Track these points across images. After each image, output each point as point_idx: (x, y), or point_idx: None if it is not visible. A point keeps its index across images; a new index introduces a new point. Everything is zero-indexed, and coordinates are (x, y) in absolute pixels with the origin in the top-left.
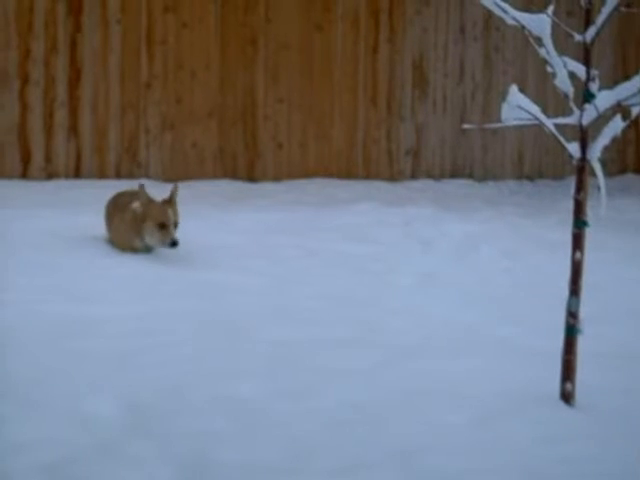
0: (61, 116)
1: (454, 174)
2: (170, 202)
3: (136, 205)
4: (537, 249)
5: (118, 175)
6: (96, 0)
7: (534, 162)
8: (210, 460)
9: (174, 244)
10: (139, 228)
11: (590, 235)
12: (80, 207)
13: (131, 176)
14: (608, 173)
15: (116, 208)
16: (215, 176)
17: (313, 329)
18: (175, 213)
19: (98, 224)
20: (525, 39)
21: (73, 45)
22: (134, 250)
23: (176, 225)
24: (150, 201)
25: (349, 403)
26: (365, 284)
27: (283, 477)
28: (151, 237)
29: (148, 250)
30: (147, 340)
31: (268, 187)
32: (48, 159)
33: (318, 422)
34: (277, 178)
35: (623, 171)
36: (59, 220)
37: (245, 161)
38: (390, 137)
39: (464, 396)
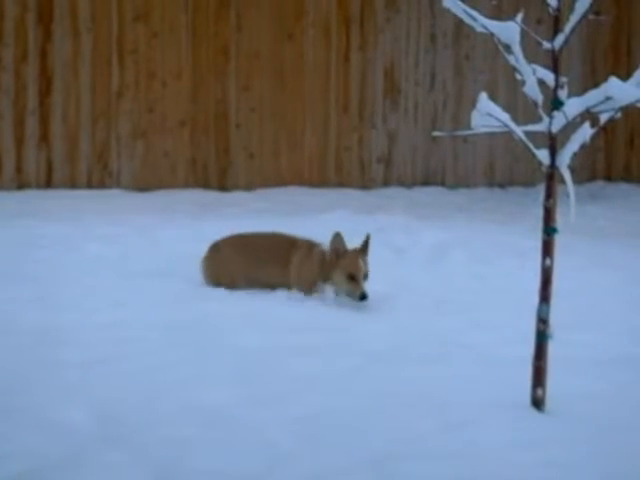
0: (31, 125)
1: (426, 182)
2: (362, 251)
3: (324, 249)
4: (508, 256)
5: (90, 184)
6: (66, 9)
7: (505, 169)
8: (183, 468)
9: (363, 298)
10: (326, 274)
11: (560, 242)
12: (53, 216)
13: (102, 185)
14: (578, 180)
15: (285, 250)
16: (187, 185)
17: (287, 336)
18: (366, 264)
19: (73, 233)
20: (495, 47)
21: (43, 53)
22: (313, 292)
23: (366, 277)
24: (344, 249)
25: (322, 409)
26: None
27: None
28: (339, 287)
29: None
30: (120, 349)
31: (240, 196)
32: (19, 169)
33: (291, 429)
34: (249, 187)
35: (593, 178)
36: (34, 229)
37: (217, 170)
38: (362, 145)
39: (437, 402)
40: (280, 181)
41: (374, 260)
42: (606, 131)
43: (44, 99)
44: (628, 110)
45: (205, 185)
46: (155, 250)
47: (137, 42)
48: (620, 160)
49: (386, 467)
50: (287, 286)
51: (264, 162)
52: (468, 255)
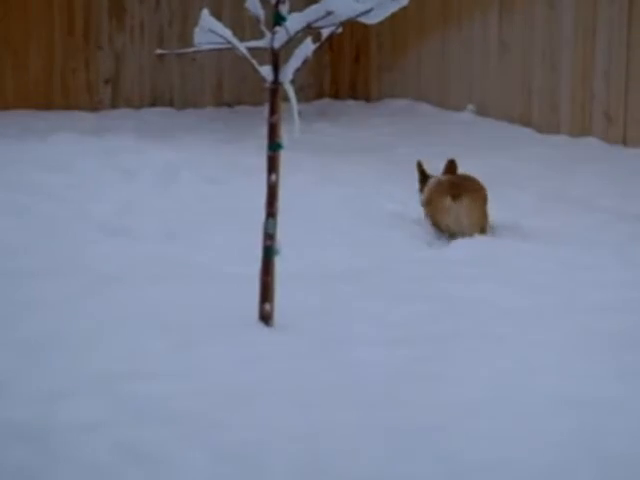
0: None
1: (154, 103)
2: None
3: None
4: (237, 174)
5: None
6: None
7: (233, 89)
8: None
9: None
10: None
11: (287, 158)
12: None
13: None
14: (305, 98)
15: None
16: None
17: (11, 261)
18: None
19: None
20: None
21: None
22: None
23: None
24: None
25: (49, 333)
26: (63, 215)
27: None
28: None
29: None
30: None
31: None
32: None
33: (16, 352)
34: None
35: (320, 96)
36: None
37: None
38: (88, 67)
39: (166, 322)
40: (5, 105)
41: (102, 181)
42: (332, 49)
43: None
44: (353, 27)
45: None
46: None
47: None
48: (346, 77)
49: (113, 387)
50: None
51: None
52: (197, 175)
